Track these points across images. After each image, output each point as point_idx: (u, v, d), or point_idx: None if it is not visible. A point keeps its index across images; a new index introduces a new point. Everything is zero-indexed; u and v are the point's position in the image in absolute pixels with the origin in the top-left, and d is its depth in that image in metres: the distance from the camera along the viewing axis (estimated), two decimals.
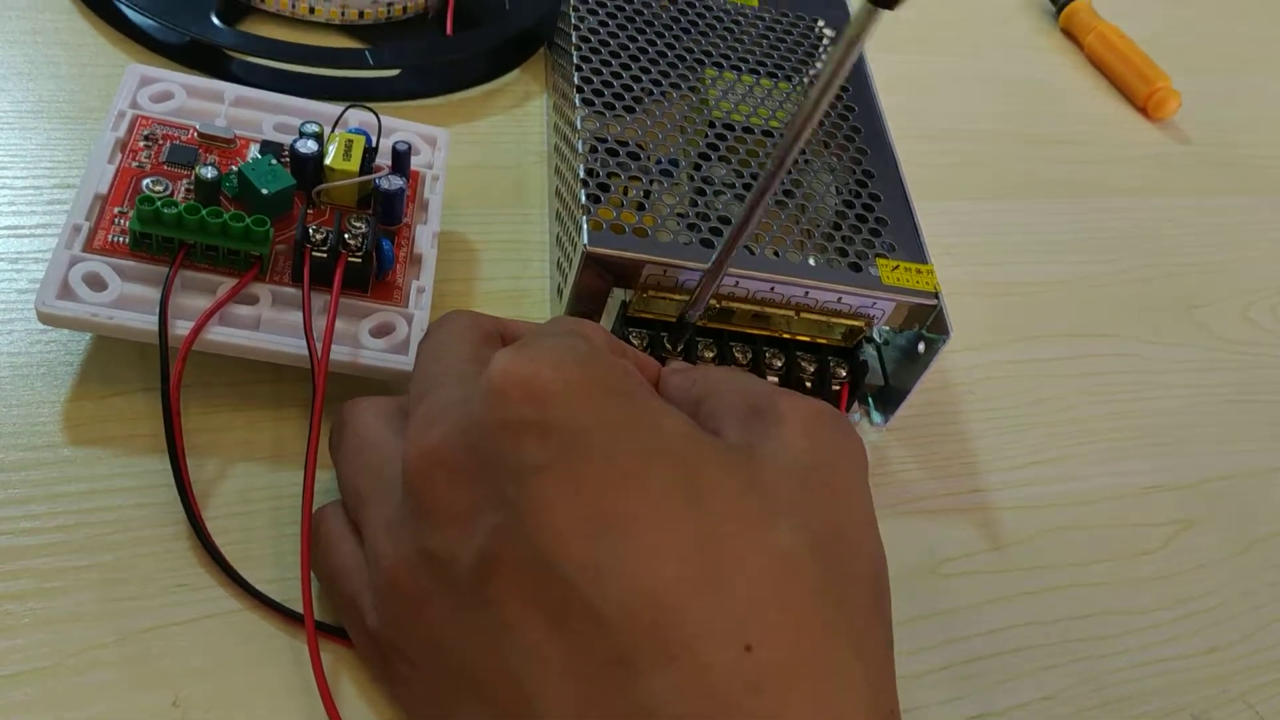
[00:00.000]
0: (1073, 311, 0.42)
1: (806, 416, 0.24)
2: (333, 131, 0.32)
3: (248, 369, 0.29)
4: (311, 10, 0.41)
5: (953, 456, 0.35)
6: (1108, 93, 0.55)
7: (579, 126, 0.35)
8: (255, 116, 0.33)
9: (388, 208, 0.31)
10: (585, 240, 0.31)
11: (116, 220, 0.29)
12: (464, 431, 0.23)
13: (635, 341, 0.32)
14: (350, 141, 0.31)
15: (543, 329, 0.26)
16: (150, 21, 0.38)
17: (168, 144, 0.31)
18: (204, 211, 0.28)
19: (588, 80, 0.36)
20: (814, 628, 0.21)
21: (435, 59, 0.41)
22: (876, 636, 0.23)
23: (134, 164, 0.30)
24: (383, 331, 0.30)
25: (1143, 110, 0.55)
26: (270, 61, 0.38)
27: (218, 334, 0.28)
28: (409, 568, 0.23)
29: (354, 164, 0.31)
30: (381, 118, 0.33)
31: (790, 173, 0.35)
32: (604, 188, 0.33)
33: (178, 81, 0.33)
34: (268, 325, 0.29)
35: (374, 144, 0.32)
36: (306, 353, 0.28)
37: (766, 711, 0.20)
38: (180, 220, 0.28)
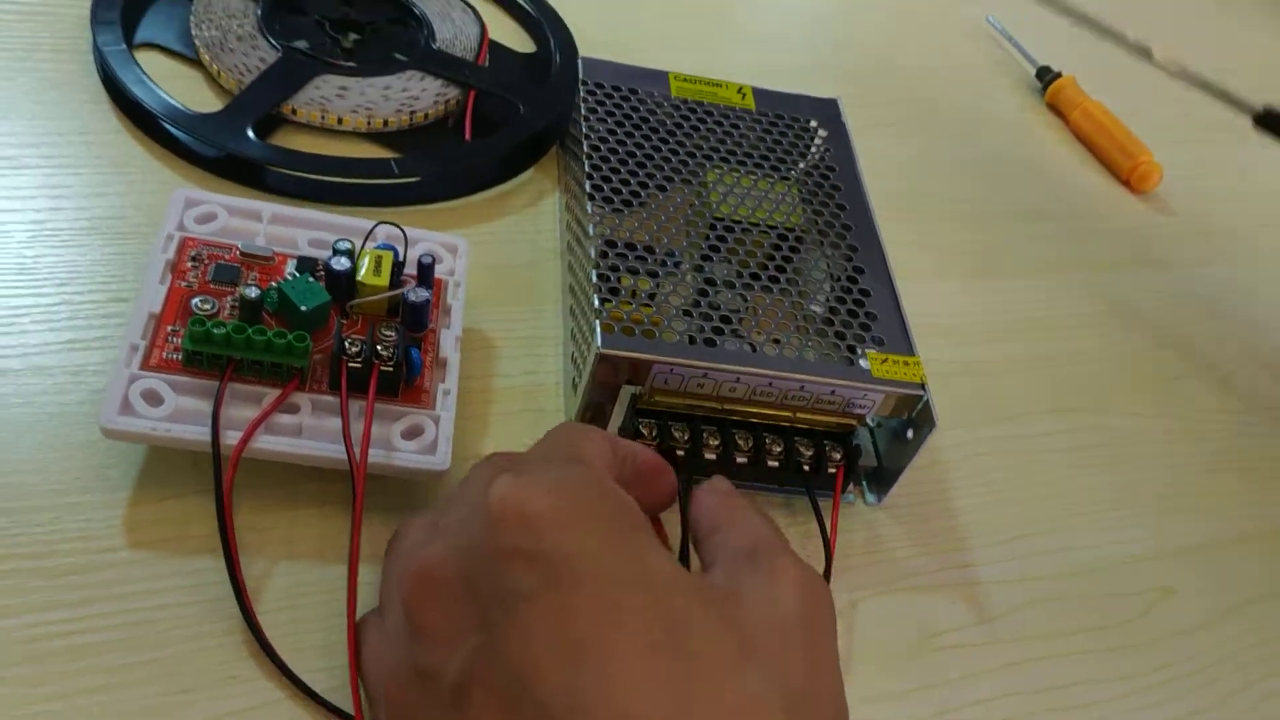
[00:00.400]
0: (1059, 385, 0.45)
1: (798, 576, 0.26)
2: (363, 248, 0.35)
3: (293, 472, 0.32)
4: (340, 121, 0.44)
5: (943, 532, 0.38)
6: (1093, 167, 0.58)
7: (591, 232, 0.38)
8: (291, 233, 0.36)
9: (415, 318, 0.34)
10: (599, 343, 0.33)
11: (170, 338, 0.32)
12: (460, 552, 0.25)
13: (645, 432, 0.34)
14: (379, 258, 0.34)
15: (546, 453, 0.28)
16: (191, 138, 0.41)
17: (213, 264, 0.34)
18: (250, 330, 0.31)
19: (599, 188, 0.39)
20: None
21: (456, 166, 0.44)
22: None
23: (183, 284, 0.33)
24: (413, 434, 0.32)
25: (1126, 183, 0.57)
26: (303, 174, 0.41)
27: (265, 442, 0.31)
28: (399, 682, 0.25)
29: (384, 279, 0.34)
30: (407, 230, 0.36)
31: (785, 267, 0.38)
32: (614, 291, 0.36)
33: (219, 203, 0.36)
34: (309, 432, 0.31)
35: (401, 257, 0.35)
36: (346, 457, 0.31)
37: None
38: (229, 339, 0.31)
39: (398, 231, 0.36)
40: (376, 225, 0.35)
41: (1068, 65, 0.61)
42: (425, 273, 0.35)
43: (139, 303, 0.32)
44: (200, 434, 0.30)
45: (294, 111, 0.44)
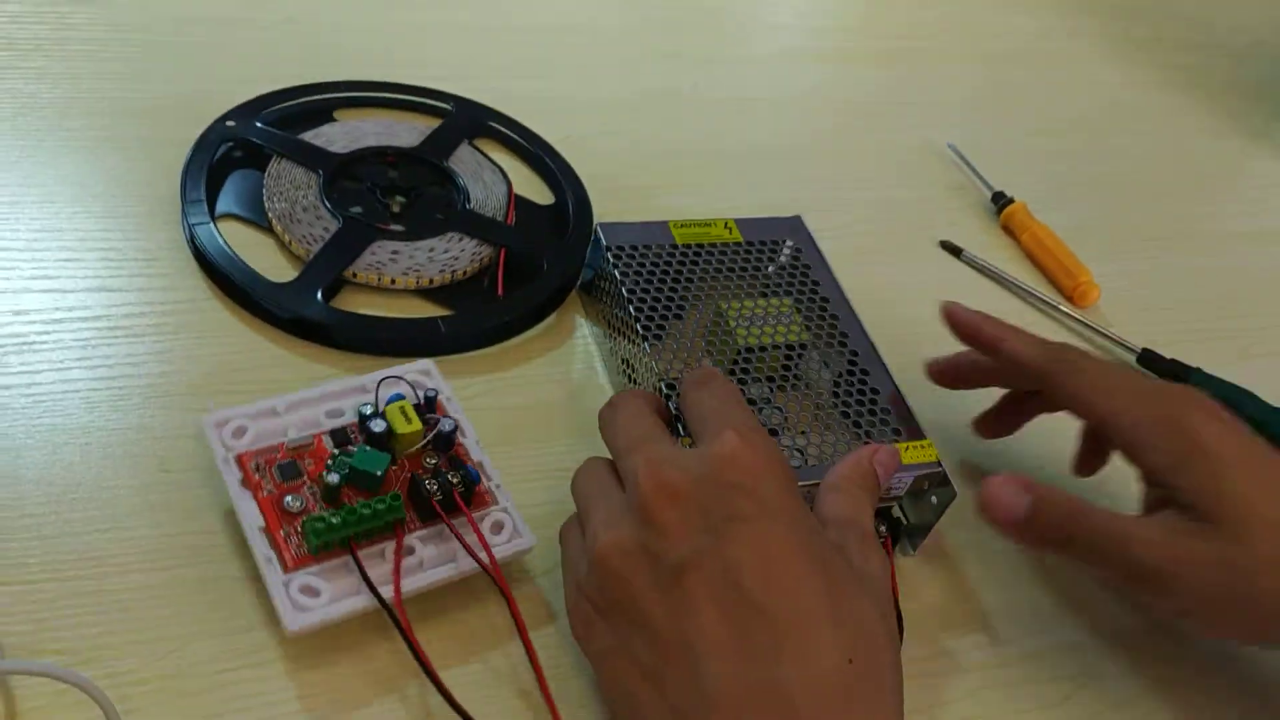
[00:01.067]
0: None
1: (883, 556, 0.39)
2: (384, 406, 0.42)
3: (433, 593, 0.40)
4: (393, 281, 0.52)
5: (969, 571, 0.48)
6: (1039, 282, 0.65)
7: (655, 370, 0.46)
8: (311, 413, 0.43)
9: (448, 441, 0.42)
10: None
11: (288, 539, 0.39)
12: (695, 480, 0.36)
13: None
14: (402, 408, 0.41)
15: (744, 417, 0.40)
16: (273, 305, 0.49)
17: (273, 466, 0.40)
18: (359, 508, 0.38)
19: (648, 332, 0.48)
20: (886, 655, 0.35)
21: (491, 321, 0.52)
22: (898, 685, 0.36)
23: (264, 493, 0.40)
24: (498, 528, 0.41)
25: (1070, 299, 0.64)
26: (365, 334, 0.49)
27: (409, 583, 0.39)
28: (622, 551, 0.36)
29: (416, 424, 0.41)
30: (382, 374, 0.44)
31: (801, 376, 0.48)
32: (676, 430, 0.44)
33: (241, 414, 0.42)
34: (430, 561, 0.40)
35: (416, 398, 0.43)
36: (475, 567, 0.39)
37: (856, 705, 0.33)
38: (345, 523, 0.38)
39: (392, 379, 0.43)
40: (381, 379, 0.43)
41: (1021, 184, 0.69)
42: (430, 402, 0.43)
43: (246, 524, 0.39)
44: (365, 601, 0.38)
45: (354, 275, 0.52)
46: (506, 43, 0.72)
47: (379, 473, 0.40)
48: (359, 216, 0.54)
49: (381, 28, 0.69)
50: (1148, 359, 0.60)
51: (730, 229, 0.55)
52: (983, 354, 0.48)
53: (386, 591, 0.38)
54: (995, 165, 0.71)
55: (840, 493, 0.41)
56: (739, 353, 0.49)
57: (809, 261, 0.54)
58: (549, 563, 0.43)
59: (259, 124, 0.57)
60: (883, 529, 0.46)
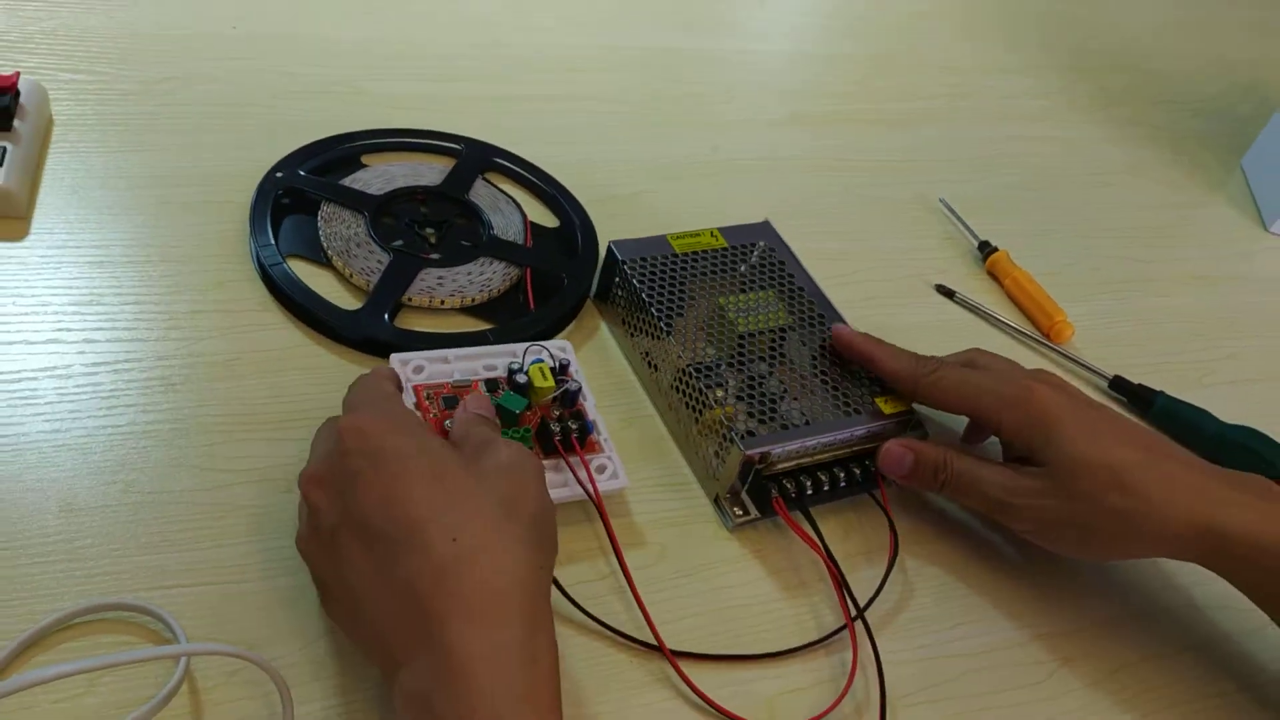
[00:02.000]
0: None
1: (512, 451, 0.45)
2: (529, 366, 0.54)
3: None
4: (442, 303, 0.61)
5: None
6: (1022, 321, 0.75)
7: (680, 361, 0.57)
8: (471, 365, 0.55)
9: (573, 399, 0.54)
10: (743, 449, 0.53)
11: None
12: (326, 459, 0.44)
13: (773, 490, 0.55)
14: (541, 369, 0.53)
15: (364, 397, 0.47)
16: (347, 330, 0.58)
17: (439, 397, 0.52)
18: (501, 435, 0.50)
19: (670, 327, 0.59)
20: (492, 528, 0.41)
21: (529, 330, 0.61)
22: (532, 540, 0.42)
23: (431, 415, 0.52)
24: (601, 469, 0.53)
25: (1047, 337, 0.74)
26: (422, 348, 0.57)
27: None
28: (304, 537, 0.44)
29: (550, 381, 0.53)
30: (530, 344, 0.56)
31: (789, 353, 0.60)
32: (705, 401, 0.56)
33: (421, 358, 0.54)
34: (549, 483, 0.50)
35: (553, 363, 0.54)
36: (583, 494, 0.51)
37: (465, 570, 0.39)
38: None
39: (537, 348, 0.55)
40: (528, 348, 0.54)
41: (1004, 233, 0.79)
42: (563, 368, 0.55)
43: None
44: None
45: (409, 300, 0.61)
46: (526, 112, 0.82)
47: (517, 411, 0.52)
48: (404, 249, 0.63)
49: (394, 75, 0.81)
50: (1118, 385, 0.71)
51: (716, 236, 0.66)
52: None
53: None
54: (981, 216, 0.82)
55: (465, 421, 0.49)
56: (739, 339, 0.60)
57: (781, 257, 0.66)
58: (642, 497, 0.55)
59: (302, 173, 0.66)
60: (872, 466, 0.58)
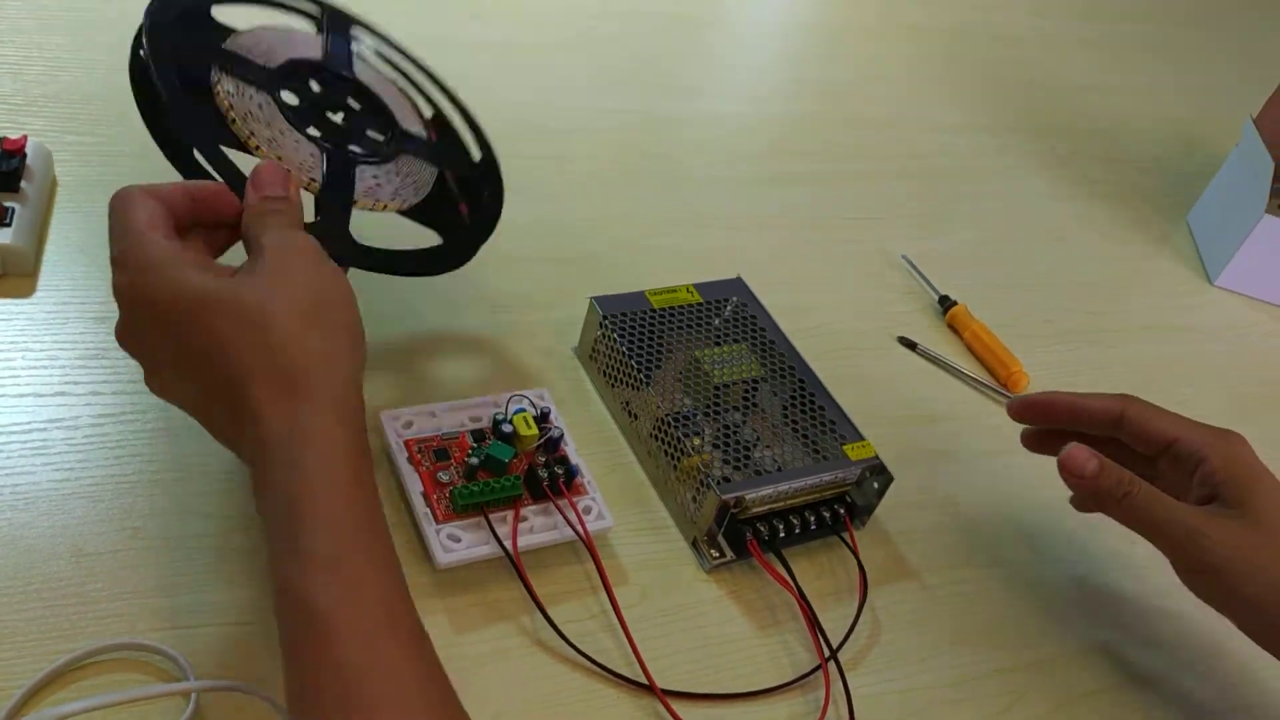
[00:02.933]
0: (950, 547, 0.65)
1: (307, 263, 0.48)
2: (511, 415, 0.57)
3: (539, 552, 0.55)
4: (384, 206, 0.57)
5: (903, 541, 0.66)
6: (980, 371, 0.79)
7: (659, 414, 0.60)
8: (456, 417, 0.58)
9: (555, 444, 0.57)
10: (720, 494, 0.56)
11: (439, 501, 0.53)
12: (119, 327, 0.48)
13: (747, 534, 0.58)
14: (525, 418, 0.56)
15: (116, 233, 0.48)
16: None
17: (430, 450, 0.55)
18: (491, 484, 0.53)
19: (646, 376, 0.62)
20: (310, 337, 0.45)
21: (475, 239, 0.60)
22: (346, 343, 0.47)
23: (424, 468, 0.54)
24: (588, 510, 0.56)
25: (1004, 386, 0.78)
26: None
27: (524, 541, 0.53)
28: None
29: (533, 429, 0.57)
30: (510, 395, 0.58)
31: (760, 403, 0.64)
32: (683, 450, 0.59)
33: (410, 413, 0.57)
34: (538, 527, 0.54)
35: (535, 411, 0.57)
36: (572, 536, 0.54)
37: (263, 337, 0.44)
38: (483, 492, 0.53)
39: (519, 398, 0.58)
40: (510, 397, 0.57)
41: (963, 287, 0.84)
42: (544, 416, 0.58)
43: (410, 489, 0.54)
44: (492, 549, 0.52)
45: (355, 201, 0.55)
46: (530, 170, 0.87)
47: (506, 460, 0.55)
48: (330, 141, 0.56)
49: None
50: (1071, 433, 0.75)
51: (691, 292, 0.70)
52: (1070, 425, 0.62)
53: (508, 545, 0.52)
54: (941, 271, 0.86)
55: (252, 216, 0.50)
56: (714, 389, 0.64)
57: (753, 312, 0.70)
58: (624, 539, 0.58)
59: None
60: (842, 511, 0.61)
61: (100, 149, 0.73)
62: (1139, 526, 0.56)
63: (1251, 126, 0.99)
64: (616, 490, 0.61)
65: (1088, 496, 0.57)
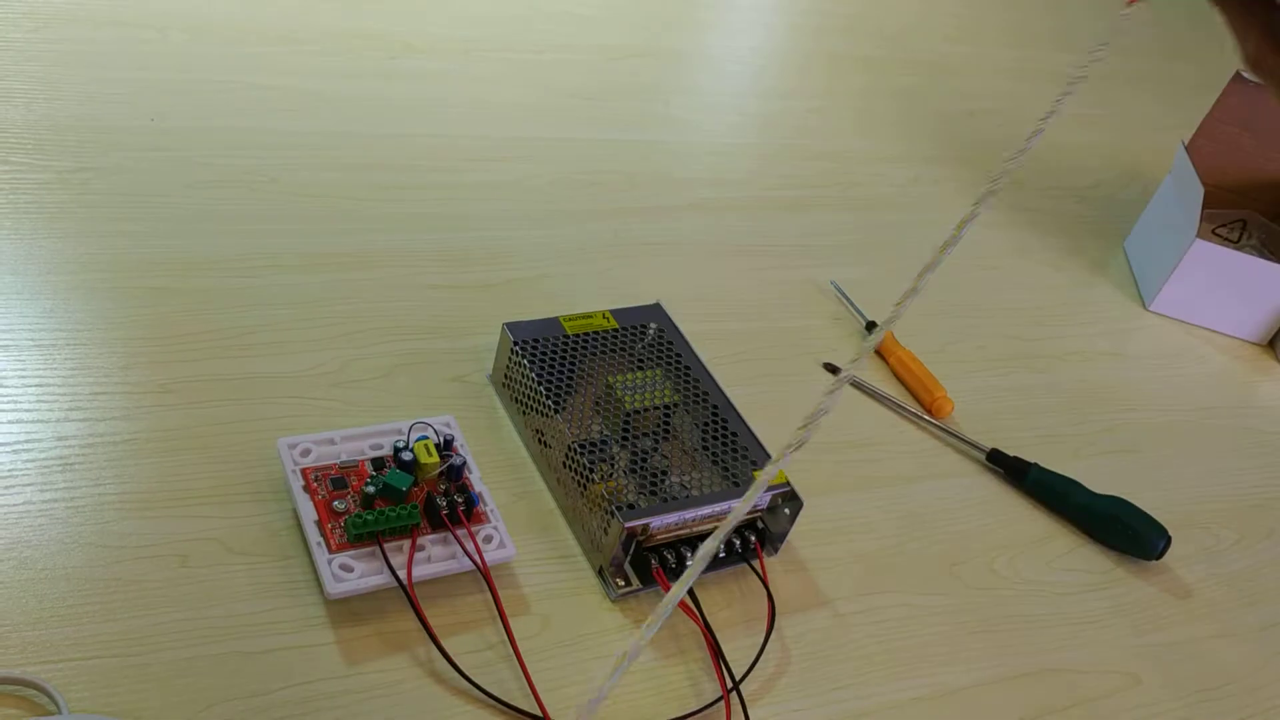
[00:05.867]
0: (866, 574, 0.64)
1: None
2: (414, 443, 0.56)
3: (437, 582, 0.54)
4: None
5: (816, 569, 0.65)
6: (905, 397, 0.79)
7: (568, 443, 0.59)
8: (357, 445, 0.57)
9: (457, 472, 0.56)
10: (624, 522, 0.56)
11: (333, 530, 0.52)
12: None
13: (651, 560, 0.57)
14: (426, 445, 0.56)
15: None
16: None
17: (327, 479, 0.54)
18: (385, 512, 0.52)
19: (555, 403, 0.61)
20: None
21: None
22: None
23: (319, 496, 0.54)
24: (488, 540, 0.55)
25: (929, 411, 0.77)
26: None
27: (419, 571, 0.52)
28: None
29: (435, 458, 0.56)
30: (413, 422, 0.57)
31: (674, 429, 0.64)
32: (590, 477, 0.58)
33: (308, 440, 0.56)
34: (435, 557, 0.53)
35: (438, 439, 0.57)
36: (470, 566, 0.53)
37: None
38: (377, 521, 0.52)
39: (422, 425, 0.57)
40: (413, 424, 0.57)
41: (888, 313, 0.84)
42: (448, 444, 0.57)
43: (304, 517, 0.52)
44: (386, 579, 0.51)
45: None
46: (434, 199, 0.86)
47: (404, 488, 0.54)
48: None
49: None
50: (995, 457, 0.75)
51: (608, 318, 0.69)
52: None
53: (402, 575, 0.51)
54: (870, 298, 0.86)
55: None
56: (627, 416, 0.63)
57: (671, 338, 0.69)
58: (529, 568, 0.58)
59: None
60: (753, 539, 0.60)
61: (13, 177, 0.73)
62: None
63: (1184, 152, 0.99)
64: (524, 519, 0.61)
65: None
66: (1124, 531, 0.70)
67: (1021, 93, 1.33)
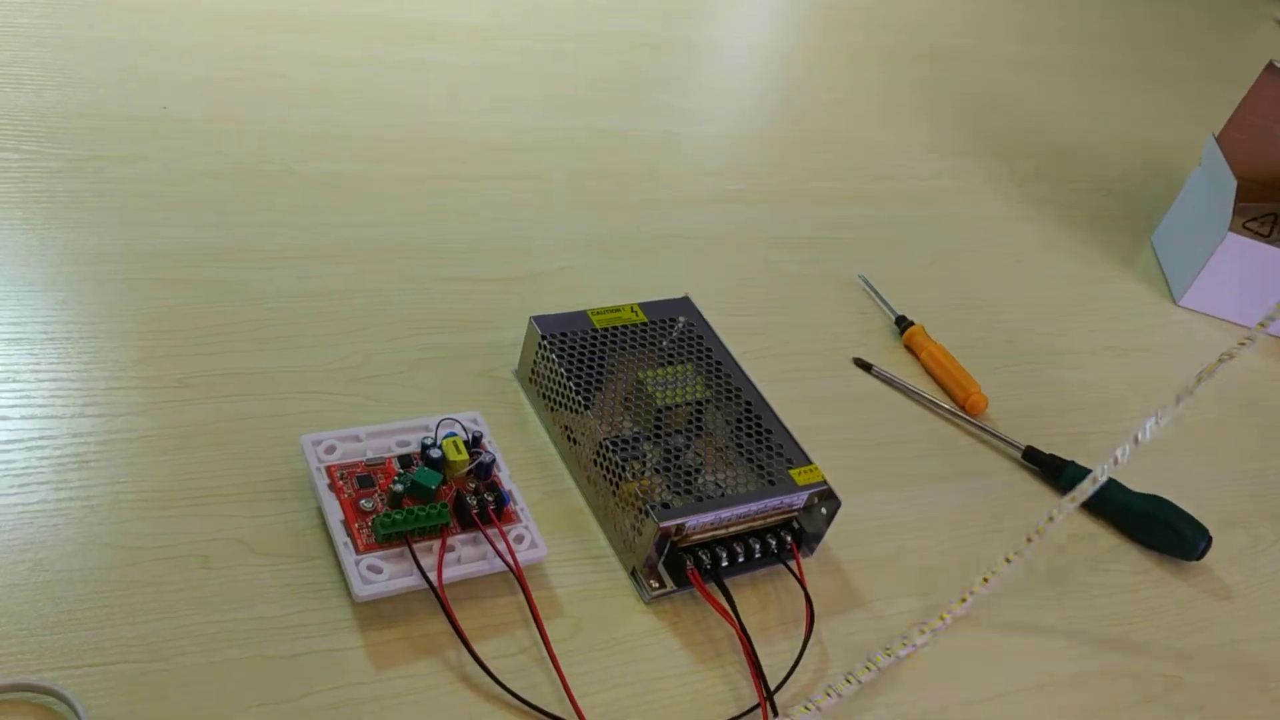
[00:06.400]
0: (904, 575, 0.62)
1: None
2: (441, 440, 0.54)
3: (467, 583, 0.52)
4: None
5: (853, 571, 0.63)
6: (938, 393, 0.76)
7: (600, 441, 0.57)
8: (383, 442, 0.55)
9: (487, 472, 0.54)
10: (659, 521, 0.54)
11: (360, 530, 0.50)
12: None
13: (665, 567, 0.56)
14: (454, 443, 0.54)
15: None
16: None
17: (353, 477, 0.52)
18: (415, 512, 0.50)
19: (585, 399, 0.59)
20: None
21: None
22: None
23: (345, 495, 0.52)
24: (519, 539, 0.53)
25: (962, 408, 0.75)
26: None
27: (450, 572, 0.50)
28: None
29: (464, 455, 0.54)
30: (441, 418, 0.56)
31: (706, 426, 0.62)
32: (622, 475, 0.57)
33: (332, 437, 0.54)
34: (466, 558, 0.51)
35: (466, 436, 0.55)
36: (502, 567, 0.51)
37: None
38: (405, 520, 0.50)
39: (450, 421, 0.56)
40: (441, 420, 0.55)
41: (921, 308, 0.83)
42: (476, 441, 0.55)
43: (330, 517, 0.50)
44: (415, 580, 0.49)
45: None
46: (453, 191, 0.84)
47: (433, 487, 0.52)
48: None
49: None
50: (1030, 455, 0.73)
51: (636, 312, 0.67)
52: None
53: (432, 576, 0.50)
54: (898, 292, 0.85)
55: None
56: (658, 412, 0.61)
57: (700, 332, 0.67)
58: (560, 569, 0.56)
59: None
60: (788, 538, 0.58)
61: (24, 165, 0.71)
62: None
63: (1214, 144, 0.98)
64: (554, 518, 0.59)
65: None
66: (1164, 531, 0.68)
67: (1040, 84, 1.31)
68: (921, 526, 0.66)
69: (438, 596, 0.50)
